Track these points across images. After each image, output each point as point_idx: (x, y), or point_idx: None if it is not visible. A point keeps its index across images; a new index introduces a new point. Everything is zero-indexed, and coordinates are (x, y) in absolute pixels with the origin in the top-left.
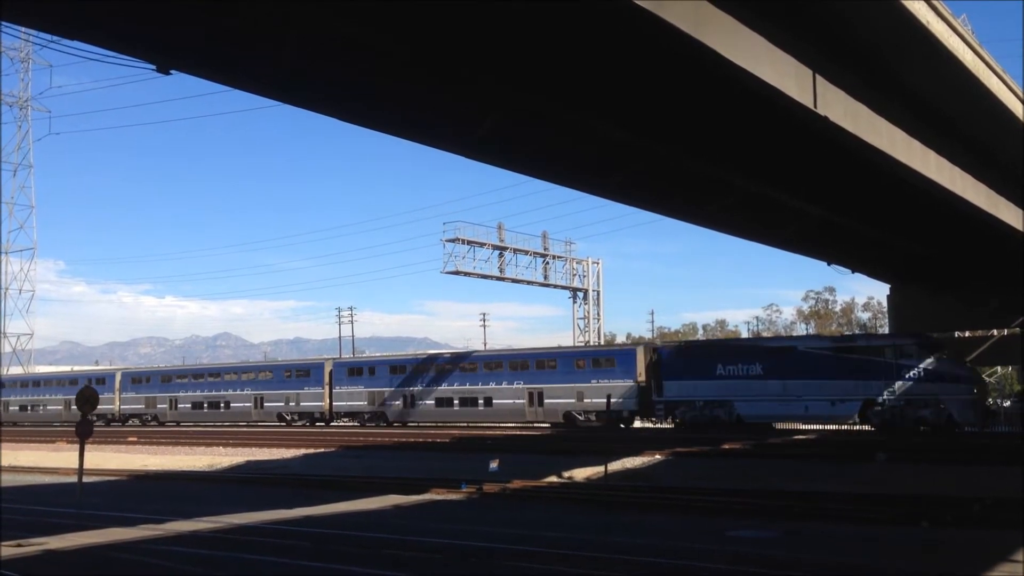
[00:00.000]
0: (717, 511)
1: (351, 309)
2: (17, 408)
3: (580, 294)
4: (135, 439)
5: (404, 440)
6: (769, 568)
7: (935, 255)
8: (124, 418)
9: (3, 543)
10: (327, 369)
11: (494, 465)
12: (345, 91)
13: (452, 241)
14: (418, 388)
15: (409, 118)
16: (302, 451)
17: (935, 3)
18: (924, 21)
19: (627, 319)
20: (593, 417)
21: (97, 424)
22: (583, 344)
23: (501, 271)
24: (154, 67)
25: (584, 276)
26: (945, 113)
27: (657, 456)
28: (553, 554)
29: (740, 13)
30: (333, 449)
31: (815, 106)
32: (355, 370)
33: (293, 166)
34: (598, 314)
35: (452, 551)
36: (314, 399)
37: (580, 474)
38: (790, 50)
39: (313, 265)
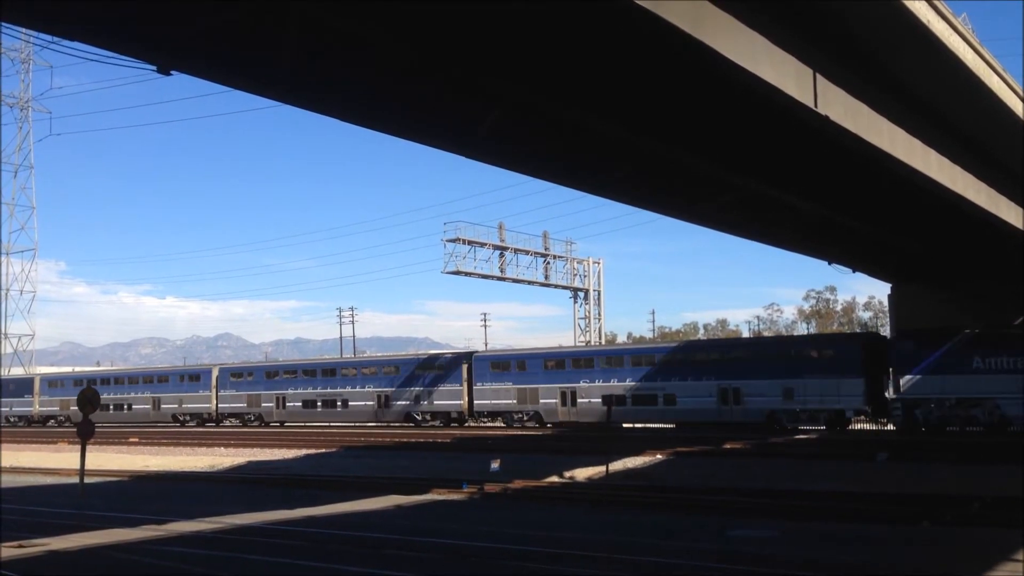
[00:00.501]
0: (718, 510)
1: (352, 309)
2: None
3: (581, 294)
4: (136, 439)
5: (404, 440)
6: (769, 567)
7: (936, 254)
8: (221, 418)
9: (5, 544)
10: (466, 364)
11: (495, 465)
12: (345, 91)
13: (453, 241)
14: (581, 384)
15: (409, 117)
16: (303, 451)
17: (936, 2)
18: (925, 20)
19: (628, 319)
20: (805, 418)
21: (190, 424)
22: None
23: (502, 271)
24: (155, 68)
25: (585, 276)
26: (946, 112)
27: (658, 456)
28: (555, 554)
29: (740, 12)
30: (334, 449)
31: (815, 105)
32: (501, 364)
33: (293, 166)
34: (599, 314)
35: (453, 551)
36: (451, 397)
37: (581, 474)
38: (790, 49)
39: (314, 265)
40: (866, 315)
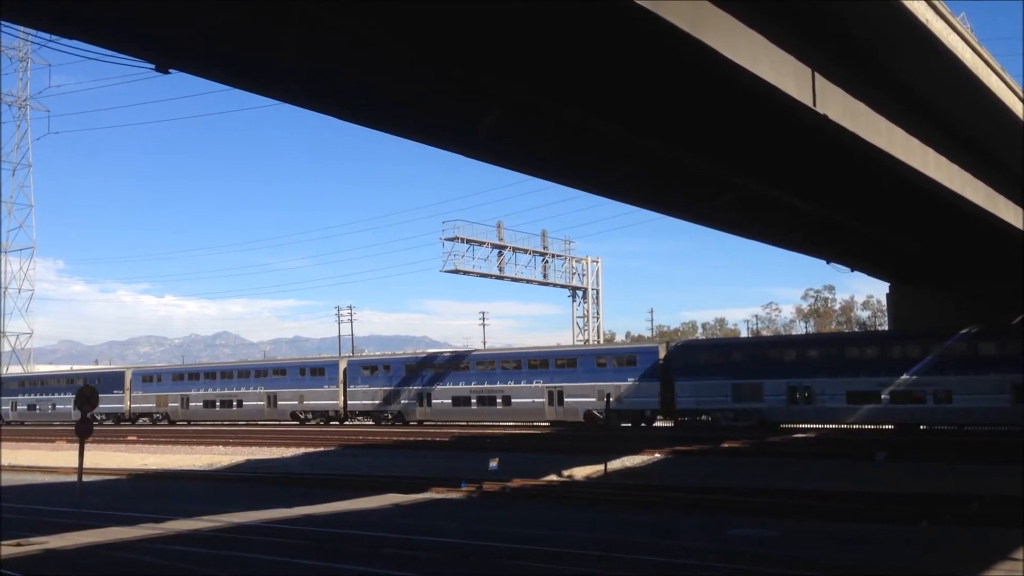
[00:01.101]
0: (717, 510)
1: (350, 308)
2: (201, 404)
3: (579, 293)
4: (135, 438)
5: (403, 439)
6: (768, 567)
7: (935, 253)
8: (350, 415)
9: (3, 542)
10: (662, 355)
11: (494, 464)
12: (345, 90)
13: (451, 240)
14: (819, 379)
15: (409, 117)
16: (302, 450)
17: (934, 2)
18: (923, 19)
19: (626, 318)
20: None
21: (310, 422)
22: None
23: (500, 270)
24: (153, 66)
25: (583, 275)
26: (944, 111)
27: (657, 455)
28: (553, 553)
29: (739, 11)
30: (333, 448)
31: (814, 104)
32: (712, 356)
33: (292, 165)
34: (597, 313)
35: (452, 550)
36: (642, 393)
37: (580, 473)
38: (789, 49)
39: (312, 264)
40: (864, 314)
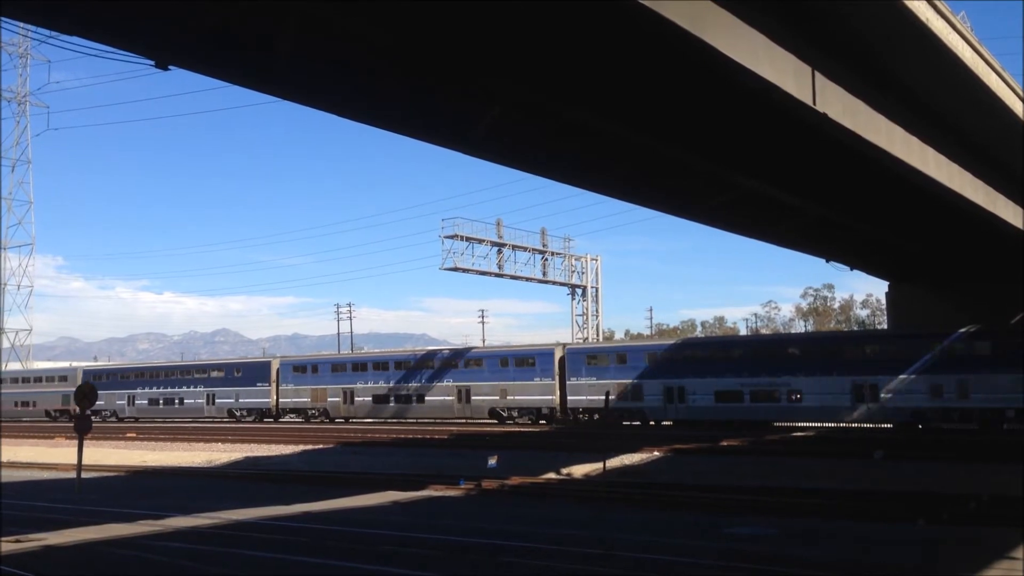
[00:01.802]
0: (714, 508)
1: (350, 305)
2: (370, 399)
3: (579, 291)
4: (134, 435)
5: (402, 437)
6: (765, 565)
7: (934, 253)
8: (569, 412)
9: (2, 539)
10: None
11: (492, 461)
12: (345, 88)
13: (451, 237)
14: None
15: (408, 115)
16: (300, 447)
17: (934, 0)
18: (923, 18)
19: (625, 316)
20: None
21: (515, 420)
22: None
23: (500, 267)
24: (153, 63)
25: (583, 273)
26: (944, 111)
27: (655, 453)
28: (551, 550)
29: (740, 10)
30: (331, 446)
31: (814, 103)
32: None
33: (292, 163)
34: (597, 311)
35: (451, 547)
36: (999, 388)
37: (579, 471)
38: (789, 47)
39: (311, 262)
40: (863, 313)
